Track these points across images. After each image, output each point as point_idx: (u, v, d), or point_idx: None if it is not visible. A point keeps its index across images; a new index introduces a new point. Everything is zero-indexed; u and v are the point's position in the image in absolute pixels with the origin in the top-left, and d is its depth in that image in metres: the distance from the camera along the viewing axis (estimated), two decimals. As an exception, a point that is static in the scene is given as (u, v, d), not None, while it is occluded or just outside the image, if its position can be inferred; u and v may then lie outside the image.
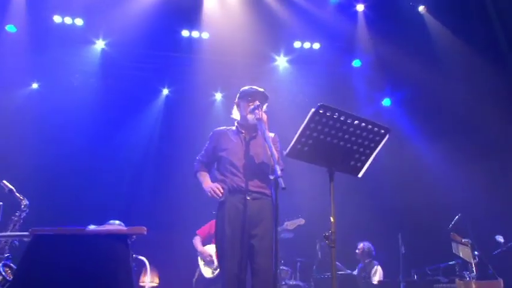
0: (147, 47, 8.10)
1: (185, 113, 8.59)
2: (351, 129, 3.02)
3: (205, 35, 8.14)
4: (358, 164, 3.17)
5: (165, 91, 8.87)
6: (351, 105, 8.49)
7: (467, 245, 5.74)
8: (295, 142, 2.97)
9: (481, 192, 7.08)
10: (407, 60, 8.09)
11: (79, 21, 7.65)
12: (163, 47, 8.19)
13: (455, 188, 7.45)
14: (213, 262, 6.01)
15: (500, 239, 5.86)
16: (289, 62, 8.70)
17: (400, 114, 8.95)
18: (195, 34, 8.12)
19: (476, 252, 5.76)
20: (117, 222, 4.30)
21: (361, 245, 7.00)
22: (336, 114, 2.94)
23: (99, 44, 8.05)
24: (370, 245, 7.06)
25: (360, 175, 3.20)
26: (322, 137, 2.99)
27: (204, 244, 6.23)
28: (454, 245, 5.87)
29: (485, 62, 7.39)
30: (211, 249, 6.09)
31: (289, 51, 8.60)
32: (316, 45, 8.52)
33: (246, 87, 3.93)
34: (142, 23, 7.43)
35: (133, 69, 8.33)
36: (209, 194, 3.67)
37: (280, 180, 2.90)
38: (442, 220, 6.58)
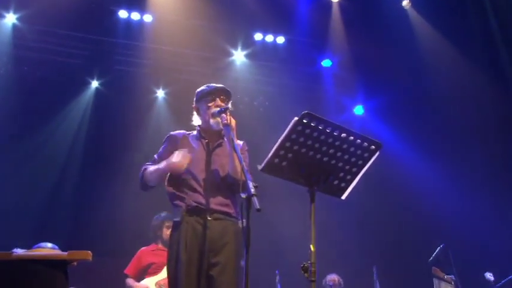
0: (73, 28, 7.95)
1: (119, 112, 8.46)
2: (337, 143, 3.12)
3: (147, 18, 8.10)
4: (343, 184, 3.28)
5: (95, 83, 8.68)
6: (318, 112, 8.66)
7: (450, 282, 5.98)
8: (272, 155, 3.03)
9: (469, 221, 7.42)
10: (386, 63, 8.41)
11: (-20, -14, 7.43)
12: (94, 29, 8.07)
13: (438, 214, 7.77)
14: None
15: (489, 276, 6.13)
16: (248, 56, 8.79)
17: (374, 124, 9.23)
18: (135, 16, 8.06)
19: (460, 291, 6.02)
20: (49, 245, 4.23)
21: (335, 278, 7.08)
22: (322, 125, 3.04)
23: (10, 18, 7.76)
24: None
25: (343, 197, 3.32)
26: (303, 150, 3.07)
27: (138, 280, 6.19)
28: (435, 281, 6.11)
29: (480, 69, 7.78)
30: (149, 283, 6.05)
31: (249, 44, 8.69)
32: (281, 39, 8.69)
33: (203, 87, 3.99)
34: (69, -5, 7.30)
35: (55, 54, 8.12)
36: (178, 164, 3.64)
37: (255, 199, 2.95)
38: (422, 252, 6.85)
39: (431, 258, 6.52)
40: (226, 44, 8.60)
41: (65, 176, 8.30)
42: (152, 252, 6.28)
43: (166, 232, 6.01)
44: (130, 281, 6.18)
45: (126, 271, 6.23)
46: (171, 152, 3.80)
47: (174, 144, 3.91)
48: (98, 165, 8.31)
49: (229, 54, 8.74)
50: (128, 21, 8.10)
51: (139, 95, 8.68)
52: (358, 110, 9.59)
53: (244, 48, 8.72)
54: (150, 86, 8.85)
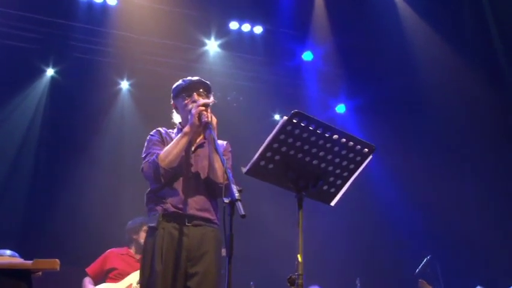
0: (26, 8, 7.85)
1: (78, 104, 8.39)
2: (328, 145, 3.16)
3: (111, 1, 8.06)
4: (332, 190, 3.33)
5: (50, 71, 8.59)
6: (297, 109, 8.70)
7: (437, 296, 6.15)
8: (258, 157, 3.07)
9: (458, 231, 7.57)
10: (371, 58, 8.50)
11: None
12: (51, 11, 7.99)
13: (425, 224, 7.91)
14: None
15: (481, 291, 6.30)
16: (222, 47, 8.80)
17: (355, 124, 9.33)
18: (97, -2, 8.04)
19: (448, 305, 6.17)
20: (7, 252, 4.20)
21: None
22: (313, 125, 3.08)
23: (-50, -6, 7.66)
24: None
25: (333, 203, 3.38)
26: (292, 152, 3.11)
27: (96, 283, 6.18)
28: (421, 294, 6.25)
29: (475, 67, 7.92)
30: None
31: (223, 33, 8.71)
32: (258, 29, 8.74)
33: (179, 82, 4.00)
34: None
35: (5, 37, 7.98)
36: (200, 116, 3.64)
37: (239, 204, 2.97)
38: (408, 263, 6.97)
39: (417, 270, 6.65)
40: (199, 32, 8.59)
41: (16, 172, 8.20)
42: (120, 256, 6.26)
43: (144, 236, 6.02)
44: (86, 280, 6.17)
45: (87, 269, 6.23)
46: (164, 142, 3.78)
47: (163, 139, 3.85)
48: (54, 161, 8.24)
49: (202, 44, 8.73)
50: (89, 3, 8.04)
51: (101, 86, 8.60)
52: (340, 108, 9.67)
53: (218, 37, 8.72)
54: (113, 77, 8.78)
